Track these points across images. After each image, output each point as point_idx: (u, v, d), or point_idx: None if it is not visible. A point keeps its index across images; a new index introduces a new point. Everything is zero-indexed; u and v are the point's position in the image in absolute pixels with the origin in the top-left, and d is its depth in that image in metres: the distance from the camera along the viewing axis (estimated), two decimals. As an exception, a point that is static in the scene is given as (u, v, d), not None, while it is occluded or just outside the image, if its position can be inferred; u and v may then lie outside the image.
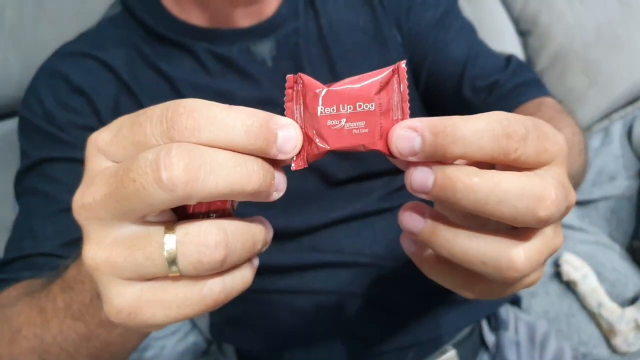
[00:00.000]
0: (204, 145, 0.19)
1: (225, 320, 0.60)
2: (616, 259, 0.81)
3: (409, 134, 0.20)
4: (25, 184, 0.53)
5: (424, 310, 0.56)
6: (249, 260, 0.23)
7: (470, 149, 0.20)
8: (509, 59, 0.61)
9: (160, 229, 0.20)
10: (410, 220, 0.23)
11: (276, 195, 0.22)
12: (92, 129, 0.53)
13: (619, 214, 0.91)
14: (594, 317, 0.73)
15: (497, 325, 0.62)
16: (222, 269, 0.21)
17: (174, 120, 0.19)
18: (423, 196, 0.21)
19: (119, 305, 0.21)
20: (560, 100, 0.96)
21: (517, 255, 0.21)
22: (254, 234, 0.22)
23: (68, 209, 0.52)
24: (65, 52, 0.56)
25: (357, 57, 0.57)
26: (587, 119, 0.99)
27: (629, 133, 0.99)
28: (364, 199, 0.56)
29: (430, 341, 0.55)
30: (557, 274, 0.78)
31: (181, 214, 0.21)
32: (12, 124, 0.69)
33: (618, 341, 0.70)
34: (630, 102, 1.03)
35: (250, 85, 0.55)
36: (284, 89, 0.22)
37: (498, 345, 0.60)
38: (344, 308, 0.55)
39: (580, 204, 0.92)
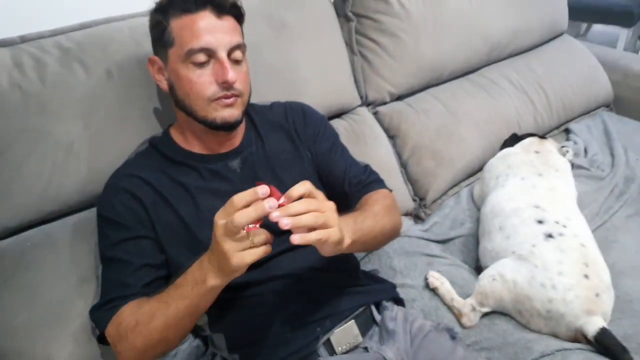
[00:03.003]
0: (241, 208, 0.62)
1: (215, 316, 0.87)
2: (465, 273, 1.16)
3: (276, 215, 0.62)
4: (109, 254, 0.84)
5: (333, 296, 0.88)
6: (269, 243, 0.65)
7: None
8: (366, 167, 1.03)
9: (245, 232, 0.63)
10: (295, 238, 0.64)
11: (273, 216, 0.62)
12: (144, 218, 1.00)
13: (467, 246, 1.27)
14: (449, 308, 1.07)
15: (382, 309, 0.95)
16: (264, 244, 0.64)
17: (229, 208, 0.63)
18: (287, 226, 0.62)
19: (236, 257, 0.63)
20: (418, 178, 1.40)
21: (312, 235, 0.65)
22: (270, 234, 0.64)
23: (140, 267, 1.04)
24: (122, 174, 0.89)
25: (287, 166, 0.94)
26: (442, 187, 1.39)
27: (472, 194, 1.43)
28: None
29: (338, 314, 0.87)
30: (427, 285, 1.13)
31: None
32: (84, 214, 1.00)
33: (464, 320, 1.03)
34: (470, 175, 1.47)
35: (228, 185, 0.89)
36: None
37: (382, 320, 0.93)
38: (288, 299, 0.85)
39: (443, 241, 1.29)
